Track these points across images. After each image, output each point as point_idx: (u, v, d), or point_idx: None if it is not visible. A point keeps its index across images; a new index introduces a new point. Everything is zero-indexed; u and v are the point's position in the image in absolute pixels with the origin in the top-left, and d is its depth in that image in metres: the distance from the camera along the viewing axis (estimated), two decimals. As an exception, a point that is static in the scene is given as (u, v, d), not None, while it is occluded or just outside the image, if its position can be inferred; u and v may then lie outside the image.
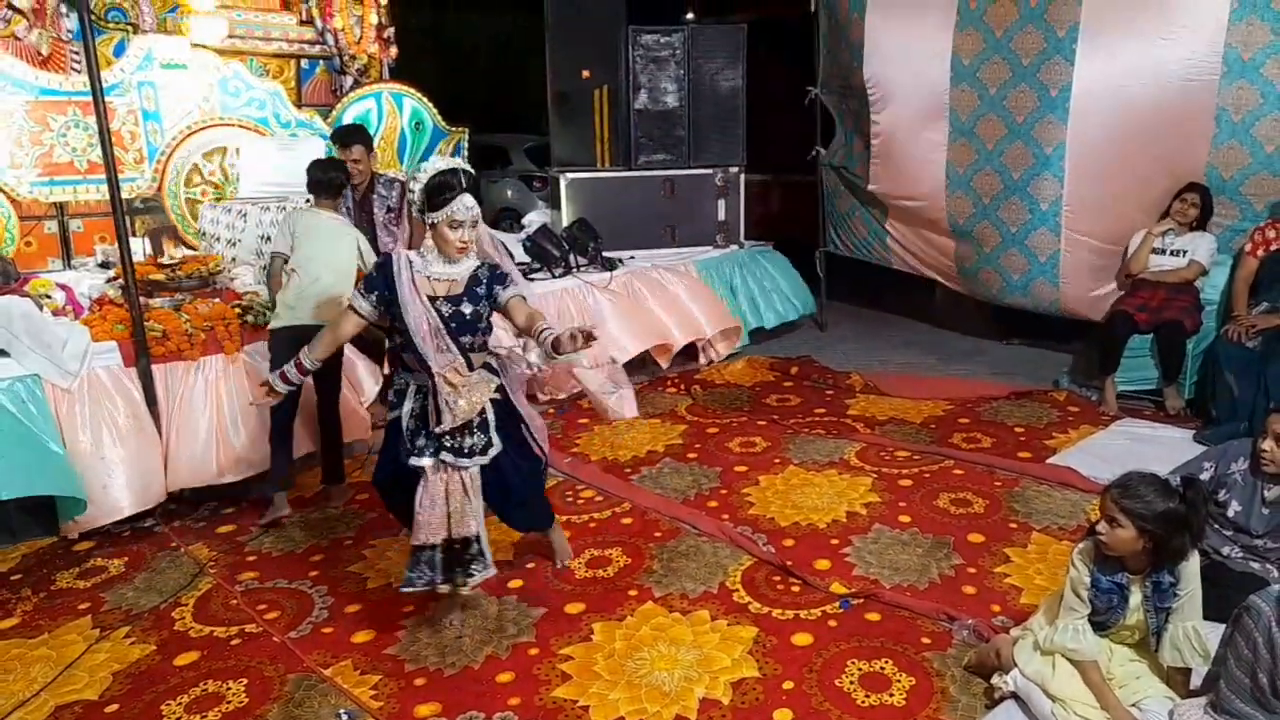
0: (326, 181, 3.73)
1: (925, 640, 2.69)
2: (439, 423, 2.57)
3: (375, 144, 5.89)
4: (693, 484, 3.92)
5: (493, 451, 2.69)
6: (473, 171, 2.63)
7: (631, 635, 2.78)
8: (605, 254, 5.68)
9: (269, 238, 4.80)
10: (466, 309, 2.61)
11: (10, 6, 5.04)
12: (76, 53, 5.29)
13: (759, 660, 2.62)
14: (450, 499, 2.63)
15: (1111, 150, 4.87)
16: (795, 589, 3.01)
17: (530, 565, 3.23)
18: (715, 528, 3.46)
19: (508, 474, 2.77)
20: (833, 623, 2.81)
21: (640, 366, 5.45)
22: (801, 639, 2.72)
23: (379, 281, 2.62)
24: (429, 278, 2.61)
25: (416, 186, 2.55)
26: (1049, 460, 3.98)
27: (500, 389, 2.70)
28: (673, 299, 5.60)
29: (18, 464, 3.28)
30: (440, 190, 2.52)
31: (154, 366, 3.70)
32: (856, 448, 4.23)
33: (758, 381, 5.44)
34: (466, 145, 6.75)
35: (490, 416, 2.67)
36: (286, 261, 3.60)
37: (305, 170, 3.78)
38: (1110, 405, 4.61)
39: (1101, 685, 2.18)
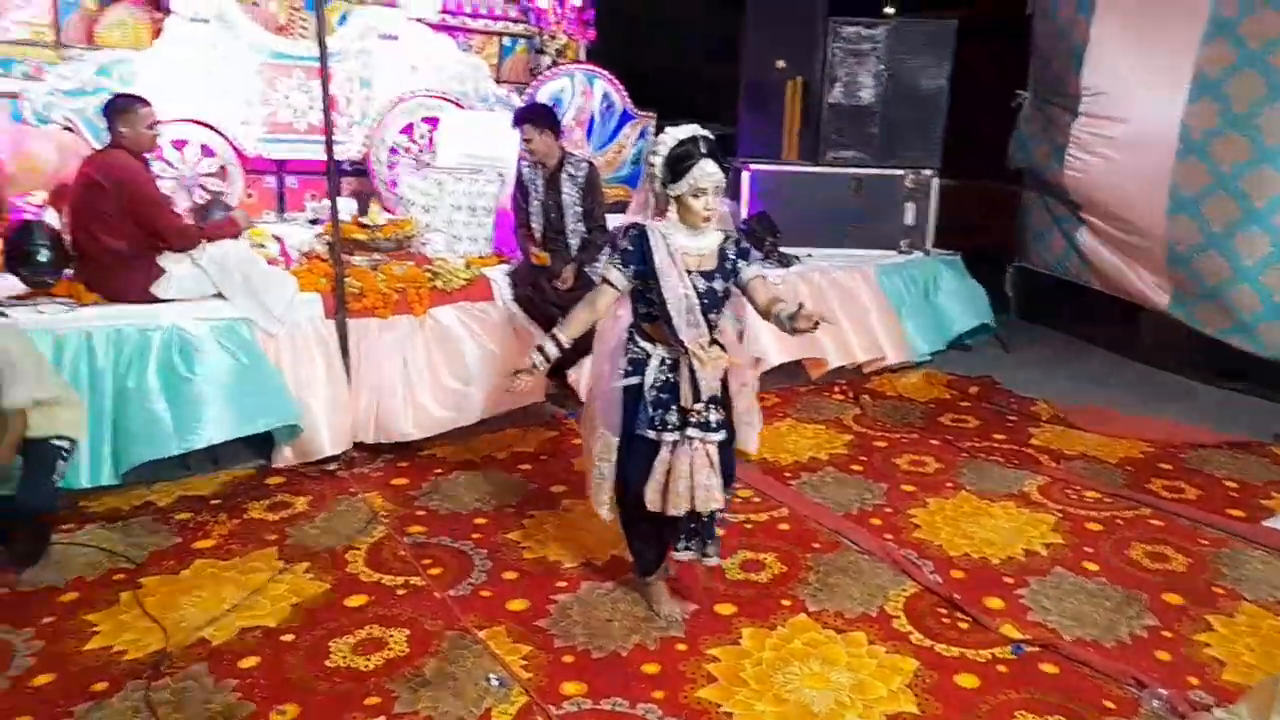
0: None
1: (1108, 704, 2.45)
2: (695, 398, 2.57)
3: (563, 123, 6.03)
4: (856, 497, 3.77)
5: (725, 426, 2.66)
6: (712, 137, 2.53)
7: (782, 646, 2.70)
8: (783, 250, 5.55)
9: (462, 207, 5.01)
10: (718, 285, 2.60)
11: (254, -25, 5.44)
12: (305, 21, 5.66)
13: (918, 696, 2.48)
14: (695, 473, 2.59)
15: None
16: (963, 625, 2.83)
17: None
18: (878, 547, 3.30)
19: (725, 452, 2.72)
20: (1002, 668, 2.61)
21: (793, 372, 5.27)
22: (966, 680, 2.55)
23: (634, 255, 2.58)
24: (681, 250, 2.57)
25: (656, 159, 2.52)
26: (1265, 523, 3.56)
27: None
28: (845, 308, 5.38)
29: (250, 401, 3.56)
30: (681, 160, 2.48)
31: (349, 320, 3.92)
32: (1039, 481, 3.94)
33: (933, 398, 5.18)
34: (653, 130, 6.76)
35: (718, 392, 2.64)
36: None
37: None
38: (1342, 469, 4.09)
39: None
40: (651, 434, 2.61)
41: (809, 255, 5.73)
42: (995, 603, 2.96)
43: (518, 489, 3.76)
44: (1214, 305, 5.02)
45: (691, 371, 2.57)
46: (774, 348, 4.93)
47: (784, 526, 3.48)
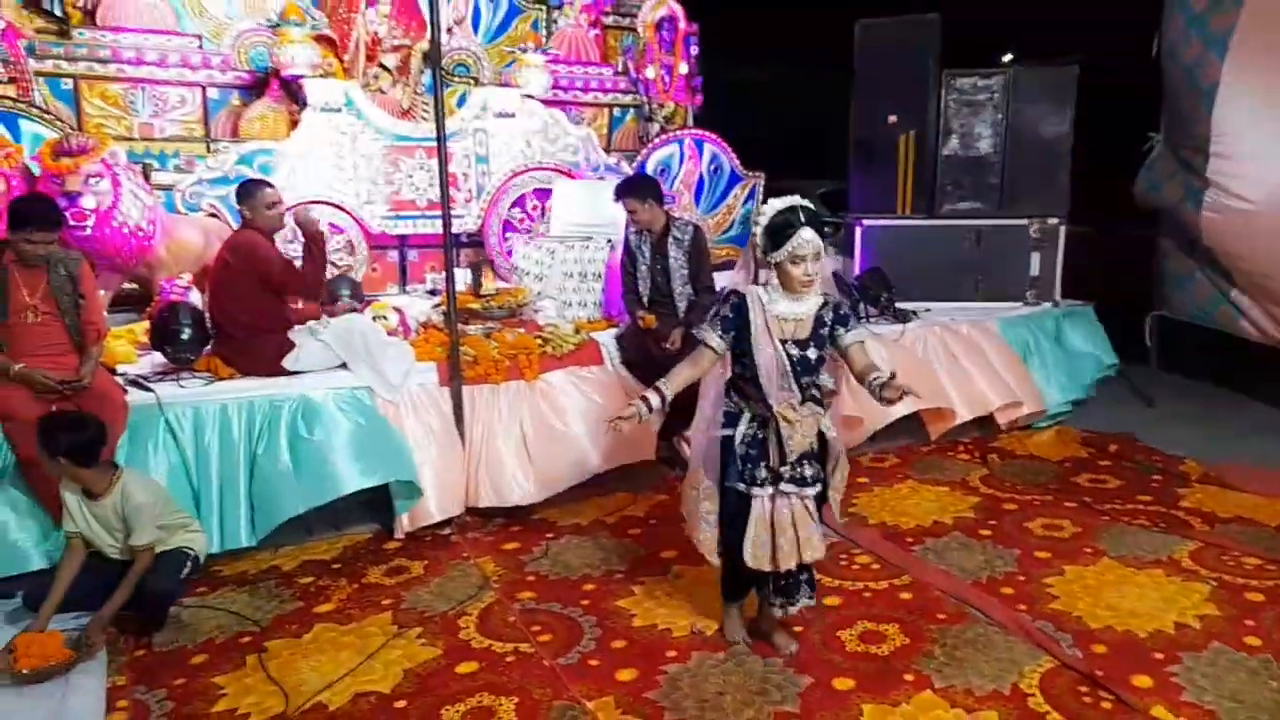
0: None
1: (1283, 801, 2.18)
2: (781, 460, 2.67)
3: (671, 188, 6.11)
4: (985, 565, 3.55)
5: (821, 480, 2.76)
6: (812, 207, 2.67)
7: (906, 726, 2.53)
8: (899, 305, 5.40)
9: (573, 274, 5.12)
10: (812, 354, 2.71)
11: (381, 66, 5.82)
12: (427, 104, 6.00)
13: (1059, 785, 2.27)
14: (798, 526, 2.71)
15: None
16: (1106, 705, 2.59)
17: (798, 628, 3.07)
18: (1010, 619, 3.08)
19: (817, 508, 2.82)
20: (1155, 755, 2.37)
21: (914, 430, 5.08)
22: (1114, 769, 2.32)
23: (733, 321, 2.71)
24: (777, 317, 2.69)
25: (758, 229, 2.67)
26: None
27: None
28: (968, 361, 5.17)
29: (365, 458, 3.70)
30: (781, 229, 2.60)
31: (464, 387, 4.02)
32: (1190, 547, 3.62)
33: (1067, 457, 4.86)
34: (761, 190, 6.78)
35: (815, 447, 2.74)
36: None
37: None
38: None
39: None
40: (741, 486, 2.73)
41: (927, 310, 5.55)
42: (1143, 681, 2.71)
43: (627, 554, 3.72)
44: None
45: (778, 434, 2.66)
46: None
47: (906, 595, 3.30)
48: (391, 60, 5.82)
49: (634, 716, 2.61)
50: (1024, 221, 5.79)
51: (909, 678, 2.77)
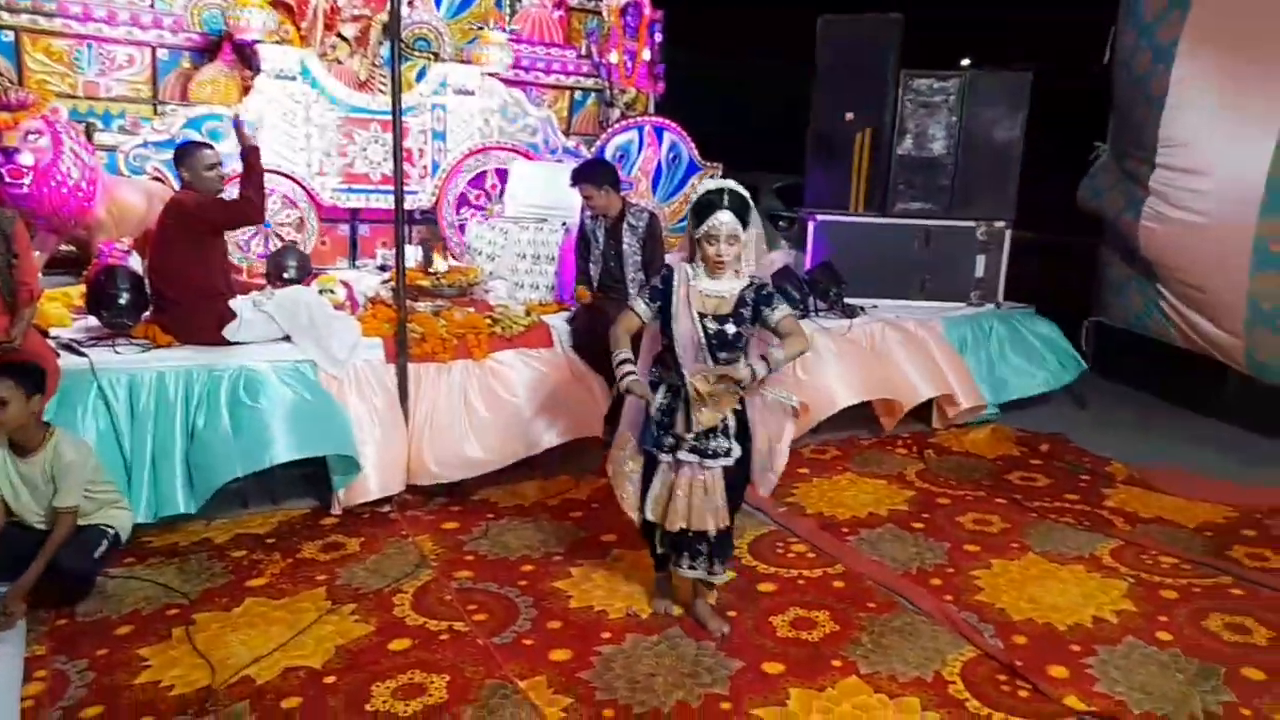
0: None
1: (1180, 788, 2.29)
2: (687, 428, 2.80)
3: (629, 174, 6.11)
4: (915, 556, 3.64)
5: (735, 455, 2.86)
6: (743, 192, 2.78)
7: (831, 710, 2.59)
8: (847, 300, 5.48)
9: (526, 256, 5.10)
10: (730, 329, 2.80)
11: (339, 35, 5.72)
12: (385, 77, 5.92)
13: (972, 769, 2.35)
14: (693, 495, 2.84)
15: None
16: (1023, 694, 2.68)
17: (731, 613, 3.12)
18: (936, 609, 3.17)
19: (737, 478, 2.94)
20: (1065, 743, 2.46)
21: (864, 423, 5.19)
22: (1025, 754, 2.41)
23: (660, 291, 2.86)
24: (700, 292, 2.80)
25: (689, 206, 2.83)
26: (1364, 598, 3.31)
27: (741, 401, 2.86)
28: (913, 356, 5.27)
29: (306, 428, 3.65)
30: (704, 208, 2.74)
31: (410, 365, 4.00)
32: (1112, 545, 3.74)
33: (1001, 454, 4.99)
34: (719, 181, 6.81)
35: (731, 424, 2.85)
36: None
37: None
38: None
39: None
40: (652, 450, 2.90)
41: (874, 306, 5.64)
42: (1059, 671, 2.80)
43: (567, 536, 3.74)
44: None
45: (687, 403, 2.78)
46: (846, 391, 4.86)
47: (838, 584, 3.37)
48: (350, 30, 5.73)
49: (566, 695, 2.63)
50: (971, 224, 5.90)
51: (836, 663, 2.83)
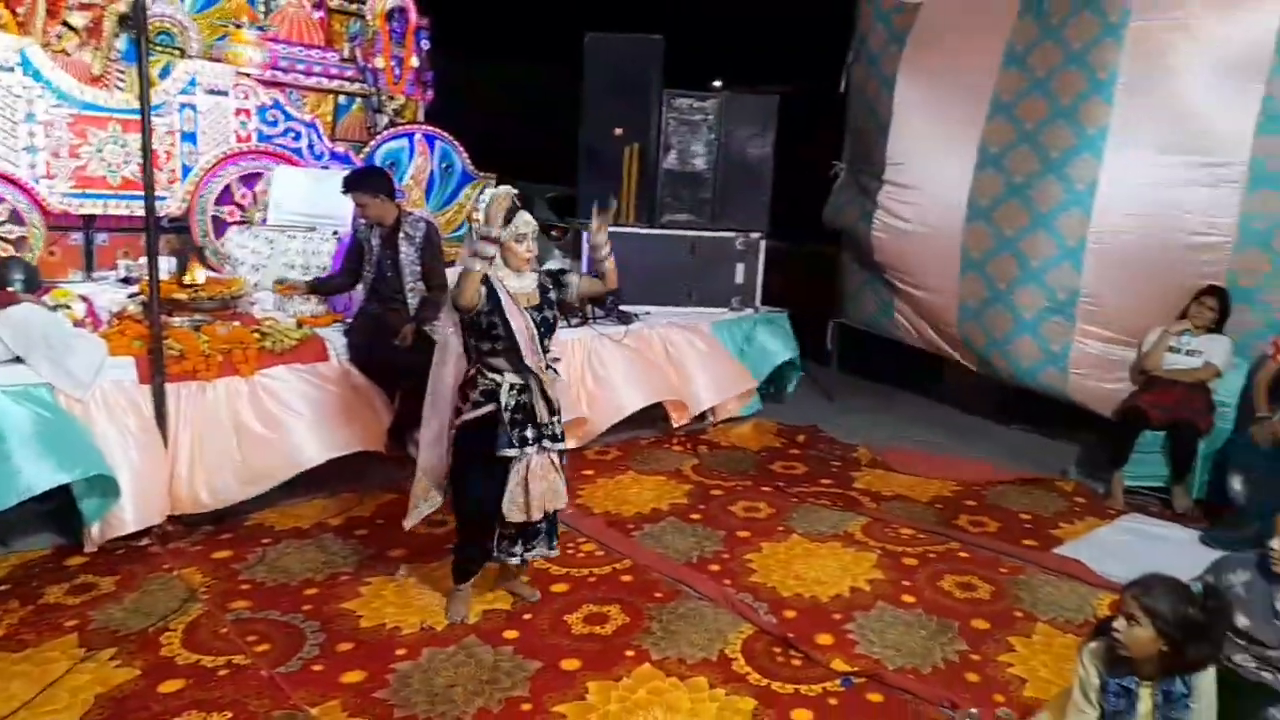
0: None
1: (927, 727, 2.63)
2: (550, 412, 3.02)
3: (402, 183, 6.00)
4: (695, 545, 3.87)
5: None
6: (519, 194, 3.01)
7: (627, 698, 2.73)
8: (622, 308, 5.70)
9: (295, 266, 4.87)
10: (548, 315, 3.07)
11: (65, 24, 5.15)
12: (122, 72, 5.40)
13: (756, 734, 2.56)
14: (546, 478, 3.03)
15: (1133, 246, 4.91)
16: (796, 662, 2.96)
17: (527, 616, 3.18)
18: (717, 593, 3.41)
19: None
20: (833, 700, 2.75)
21: (650, 422, 5.44)
22: (801, 715, 2.67)
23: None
24: (513, 290, 2.98)
25: (479, 213, 2.89)
26: (1055, 550, 3.93)
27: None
28: (689, 357, 5.60)
29: (60, 452, 3.28)
30: (510, 211, 2.90)
31: (167, 385, 3.70)
32: (862, 522, 4.19)
33: (764, 446, 5.42)
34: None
35: (559, 406, 3.09)
36: None
37: None
38: (1117, 500, 4.58)
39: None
40: (513, 452, 2.97)
41: (647, 313, 5.91)
42: (826, 639, 3.12)
43: (353, 555, 3.63)
44: (1000, 354, 5.55)
45: (543, 390, 2.99)
46: (636, 395, 5.06)
47: (627, 578, 3.53)
48: (79, 19, 5.17)
49: (362, 718, 2.58)
50: (731, 234, 6.35)
51: (630, 653, 2.97)
